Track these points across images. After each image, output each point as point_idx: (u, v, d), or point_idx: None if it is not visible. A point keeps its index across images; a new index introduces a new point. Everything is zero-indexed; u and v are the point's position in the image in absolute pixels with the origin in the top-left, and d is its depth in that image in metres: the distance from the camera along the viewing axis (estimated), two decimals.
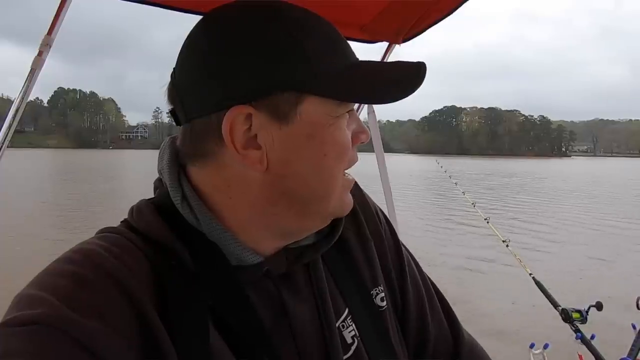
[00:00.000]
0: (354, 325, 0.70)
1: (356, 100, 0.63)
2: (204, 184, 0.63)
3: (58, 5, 1.17)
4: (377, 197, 0.95)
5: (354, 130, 0.65)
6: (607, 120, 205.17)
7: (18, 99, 1.15)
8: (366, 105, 1.78)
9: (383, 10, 1.45)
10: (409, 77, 0.63)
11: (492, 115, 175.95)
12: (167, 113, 0.65)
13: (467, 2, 1.40)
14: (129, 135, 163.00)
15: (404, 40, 1.64)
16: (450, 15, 1.47)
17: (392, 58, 1.74)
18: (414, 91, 0.62)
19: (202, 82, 0.59)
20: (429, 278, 0.86)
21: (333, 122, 0.60)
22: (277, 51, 0.57)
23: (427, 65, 0.63)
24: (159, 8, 1.31)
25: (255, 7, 0.61)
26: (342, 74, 0.60)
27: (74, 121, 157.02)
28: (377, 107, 1.88)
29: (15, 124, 1.13)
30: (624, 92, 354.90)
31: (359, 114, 1.84)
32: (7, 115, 1.14)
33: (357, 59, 0.65)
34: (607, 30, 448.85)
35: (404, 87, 0.62)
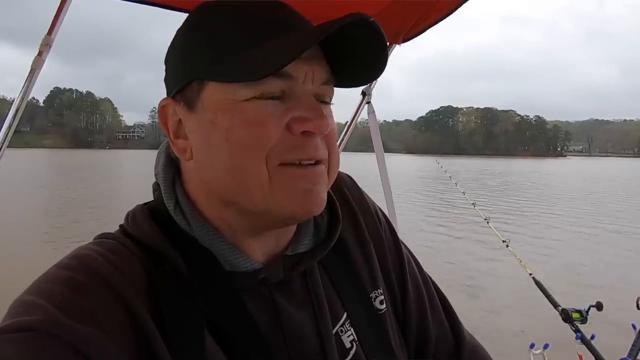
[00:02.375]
0: (352, 329, 0.69)
1: (248, 78, 0.56)
2: (187, 183, 0.65)
3: (58, 5, 1.17)
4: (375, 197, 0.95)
5: (296, 116, 0.58)
6: (602, 120, 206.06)
7: (18, 99, 1.15)
8: (366, 105, 1.78)
9: (383, 10, 1.46)
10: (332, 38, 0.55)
11: (489, 115, 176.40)
12: None
13: (467, 2, 1.40)
14: (126, 135, 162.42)
15: (404, 40, 1.64)
16: (450, 16, 1.47)
17: (391, 58, 1.74)
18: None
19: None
20: (430, 278, 0.86)
21: (238, 106, 0.57)
22: (190, 45, 0.62)
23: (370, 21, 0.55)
24: (158, 8, 1.31)
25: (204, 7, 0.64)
26: (243, 54, 0.57)
27: (70, 121, 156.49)
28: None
29: (15, 123, 1.13)
30: (616, 92, 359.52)
31: (359, 114, 1.84)
32: (6, 116, 1.14)
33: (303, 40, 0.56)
34: (592, 32, 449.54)
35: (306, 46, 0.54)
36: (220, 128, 0.57)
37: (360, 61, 0.62)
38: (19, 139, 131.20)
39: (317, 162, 0.61)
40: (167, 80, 0.65)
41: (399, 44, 1.65)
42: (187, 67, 0.61)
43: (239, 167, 0.57)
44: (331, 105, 0.65)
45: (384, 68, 0.62)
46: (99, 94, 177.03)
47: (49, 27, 1.18)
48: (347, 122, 1.86)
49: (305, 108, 0.59)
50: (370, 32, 0.57)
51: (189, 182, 0.64)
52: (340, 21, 0.53)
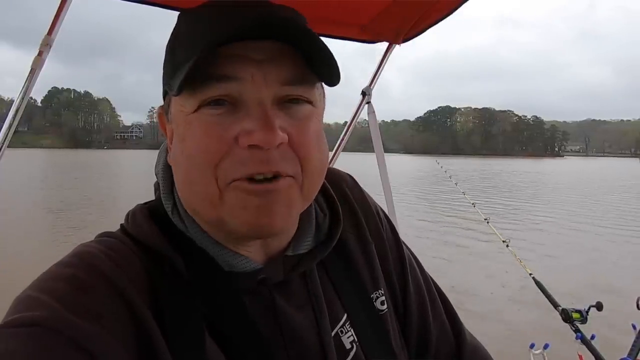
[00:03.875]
0: (352, 330, 0.69)
1: (177, 91, 0.55)
2: None
3: (58, 5, 1.17)
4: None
5: (243, 128, 0.54)
6: (599, 120, 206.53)
7: (18, 99, 1.15)
8: (366, 105, 1.78)
9: (383, 10, 1.46)
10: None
11: (486, 116, 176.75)
12: None
13: (467, 2, 1.40)
14: (124, 135, 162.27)
15: (404, 41, 1.65)
16: (450, 16, 1.47)
17: (391, 58, 1.74)
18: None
19: None
20: (432, 279, 0.85)
21: (188, 118, 0.56)
22: (165, 56, 0.63)
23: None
24: (157, 8, 1.31)
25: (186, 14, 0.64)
26: (184, 64, 0.55)
27: (68, 121, 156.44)
28: None
29: (15, 123, 1.13)
30: (610, 92, 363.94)
31: (358, 114, 1.84)
32: (6, 116, 1.14)
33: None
34: (585, 33, 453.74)
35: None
36: (180, 141, 0.58)
37: (317, 58, 0.56)
38: (17, 139, 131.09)
39: (276, 176, 0.55)
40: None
41: (399, 44, 1.65)
42: (164, 78, 0.63)
43: (192, 180, 0.57)
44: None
45: (333, 61, 0.55)
46: (97, 93, 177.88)
47: (49, 27, 1.18)
48: (347, 122, 1.86)
49: (252, 118, 0.54)
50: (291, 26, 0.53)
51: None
52: (236, 22, 0.53)
